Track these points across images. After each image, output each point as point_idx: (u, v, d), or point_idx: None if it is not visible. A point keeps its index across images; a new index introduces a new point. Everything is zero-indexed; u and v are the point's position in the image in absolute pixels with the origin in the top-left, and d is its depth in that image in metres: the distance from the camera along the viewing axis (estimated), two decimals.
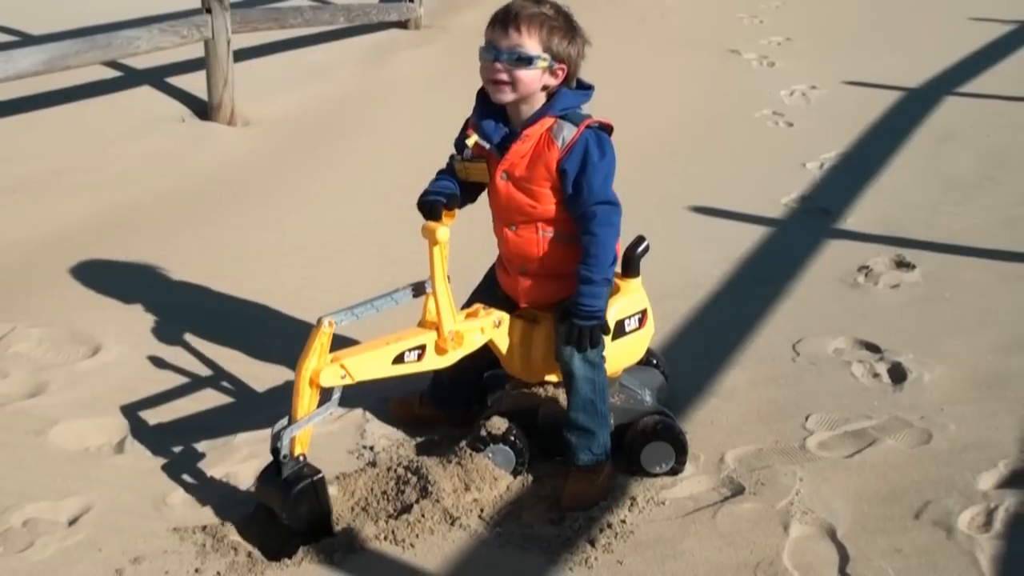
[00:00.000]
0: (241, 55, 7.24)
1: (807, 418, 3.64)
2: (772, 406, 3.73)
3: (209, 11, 6.72)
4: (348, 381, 2.97)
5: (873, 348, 4.12)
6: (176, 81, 7.28)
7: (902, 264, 4.89)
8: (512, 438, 3.25)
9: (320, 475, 2.97)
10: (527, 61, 2.98)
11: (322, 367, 2.90)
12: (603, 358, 3.20)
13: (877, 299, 4.58)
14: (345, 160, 6.46)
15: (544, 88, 3.06)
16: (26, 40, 7.74)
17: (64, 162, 6.02)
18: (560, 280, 3.19)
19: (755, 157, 6.61)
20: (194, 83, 7.12)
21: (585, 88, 3.16)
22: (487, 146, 3.12)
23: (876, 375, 3.93)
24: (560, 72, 3.05)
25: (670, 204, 5.67)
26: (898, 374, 3.91)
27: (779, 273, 4.84)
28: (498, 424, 3.26)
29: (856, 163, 6.41)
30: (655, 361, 3.69)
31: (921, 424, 3.57)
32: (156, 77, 7.28)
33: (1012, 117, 7.31)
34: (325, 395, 2.96)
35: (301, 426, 2.92)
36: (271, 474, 2.98)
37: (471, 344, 3.18)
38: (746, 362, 4.04)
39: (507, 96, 3.04)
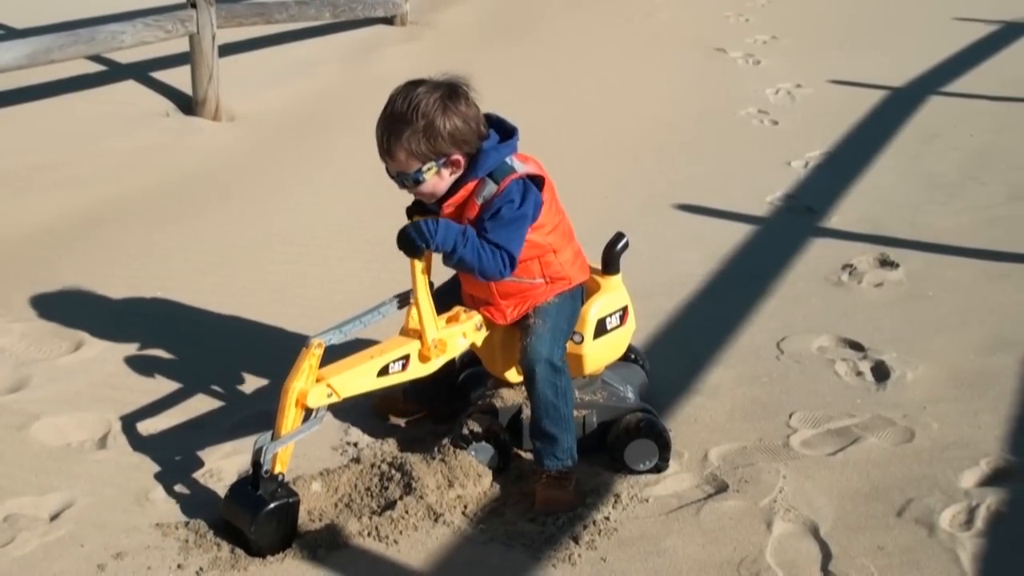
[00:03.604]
0: (226, 50, 7.21)
1: (791, 416, 3.65)
2: (756, 404, 3.73)
3: (194, 6, 6.69)
4: (334, 399, 2.96)
5: (857, 346, 4.13)
6: (160, 76, 7.24)
7: (886, 263, 4.91)
8: (495, 435, 3.25)
9: (296, 499, 2.96)
10: (414, 180, 2.99)
11: (308, 388, 2.90)
12: (565, 362, 3.20)
13: (861, 298, 4.59)
14: (330, 156, 6.44)
15: (455, 173, 3.03)
16: (9, 34, 7.70)
17: (47, 157, 5.99)
18: (525, 295, 3.20)
19: (740, 155, 6.61)
20: (179, 78, 7.09)
21: (507, 136, 3.08)
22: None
23: (859, 373, 3.94)
24: (457, 159, 2.99)
25: (655, 202, 5.67)
26: (881, 372, 3.93)
27: (763, 271, 4.85)
28: (481, 422, 3.26)
29: (841, 162, 6.43)
30: (635, 357, 3.70)
31: (904, 422, 3.58)
32: (140, 72, 7.25)
33: (996, 117, 7.33)
34: (309, 412, 2.96)
35: (284, 442, 2.91)
36: (241, 489, 2.98)
37: (454, 349, 3.17)
38: (730, 360, 4.04)
39: (431, 201, 3.08)
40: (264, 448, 2.89)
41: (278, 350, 4.04)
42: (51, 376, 3.80)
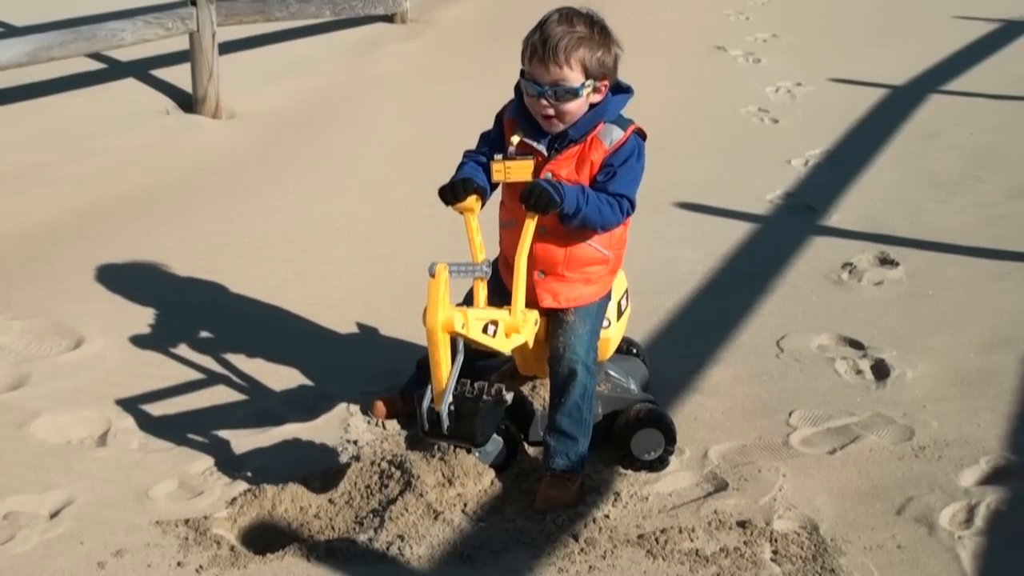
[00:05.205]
0: (226, 48, 7.21)
1: (790, 414, 3.65)
2: (756, 402, 3.74)
3: (194, 3, 6.69)
4: (464, 332, 2.88)
5: (856, 345, 4.13)
6: (161, 73, 7.24)
7: (886, 261, 4.91)
8: (503, 427, 3.24)
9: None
10: (573, 93, 2.99)
11: (451, 314, 2.82)
12: (596, 364, 3.20)
13: (861, 296, 4.59)
14: (330, 154, 6.44)
15: (591, 105, 3.07)
16: (9, 31, 7.70)
17: (48, 154, 5.99)
18: (588, 273, 3.18)
19: (740, 154, 6.61)
20: (179, 75, 7.09)
21: (624, 91, 3.18)
22: (536, 144, 3.08)
23: (859, 372, 3.94)
24: (603, 87, 3.07)
25: (656, 200, 5.66)
26: (881, 371, 3.93)
27: (763, 270, 4.85)
28: None
29: (841, 160, 6.43)
30: (636, 351, 3.72)
31: (904, 421, 3.58)
32: (141, 69, 7.25)
33: (996, 115, 7.33)
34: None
35: (451, 386, 2.86)
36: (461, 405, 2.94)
37: (529, 332, 3.11)
38: (730, 358, 4.04)
39: (557, 128, 3.06)
40: (433, 407, 2.88)
41: (279, 348, 4.05)
42: (51, 373, 3.80)
